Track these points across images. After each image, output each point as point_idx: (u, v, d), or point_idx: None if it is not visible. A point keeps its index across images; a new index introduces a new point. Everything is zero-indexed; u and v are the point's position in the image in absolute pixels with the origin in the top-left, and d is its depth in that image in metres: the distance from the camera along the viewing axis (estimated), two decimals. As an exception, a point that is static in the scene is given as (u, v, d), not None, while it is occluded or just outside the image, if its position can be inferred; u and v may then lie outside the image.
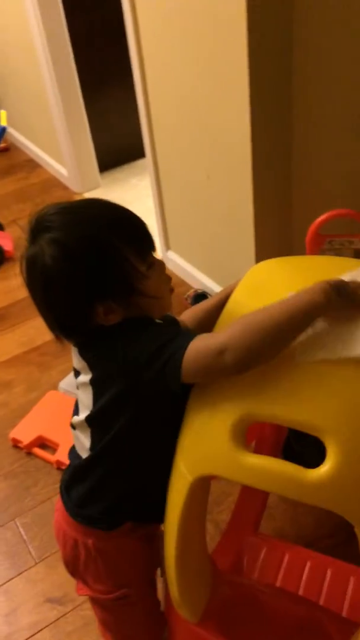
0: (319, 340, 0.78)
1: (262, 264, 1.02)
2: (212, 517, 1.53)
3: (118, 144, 3.33)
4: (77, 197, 3.13)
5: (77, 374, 0.91)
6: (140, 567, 1.00)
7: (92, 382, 0.87)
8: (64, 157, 3.19)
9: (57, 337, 0.89)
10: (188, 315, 1.01)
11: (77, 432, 0.93)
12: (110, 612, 1.04)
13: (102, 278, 0.83)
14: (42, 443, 1.82)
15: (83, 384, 0.89)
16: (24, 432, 1.84)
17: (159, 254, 2.46)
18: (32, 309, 0.87)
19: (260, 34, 1.49)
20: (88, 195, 3.20)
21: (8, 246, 2.73)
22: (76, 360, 0.90)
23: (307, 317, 0.77)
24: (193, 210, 2.16)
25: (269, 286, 0.92)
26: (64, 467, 1.70)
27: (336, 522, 1.31)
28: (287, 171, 1.77)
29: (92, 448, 0.90)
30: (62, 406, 1.89)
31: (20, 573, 1.51)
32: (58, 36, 2.79)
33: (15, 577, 1.50)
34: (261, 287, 0.93)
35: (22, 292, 0.87)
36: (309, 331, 0.78)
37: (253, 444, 1.35)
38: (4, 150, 3.81)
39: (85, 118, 3.04)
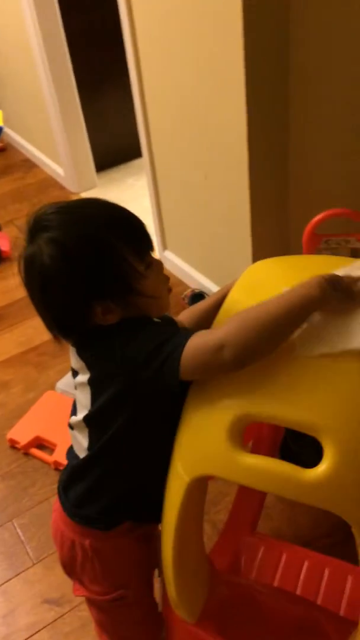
0: (318, 334, 0.78)
1: (259, 263, 1.02)
2: (210, 517, 1.53)
3: (115, 144, 3.33)
4: (74, 197, 3.12)
5: (75, 374, 0.91)
6: (137, 568, 1.00)
7: (90, 382, 0.87)
8: (61, 157, 3.19)
9: (55, 336, 0.89)
10: (185, 316, 1.01)
11: (75, 433, 0.93)
12: (106, 613, 1.04)
13: (100, 278, 0.83)
14: (40, 443, 1.82)
15: (81, 384, 0.89)
16: (22, 432, 1.83)
17: (156, 253, 2.46)
18: (30, 309, 0.87)
19: (256, 34, 1.49)
20: (85, 195, 3.20)
21: (5, 246, 2.72)
22: (74, 360, 0.90)
23: (304, 311, 0.77)
24: (190, 210, 2.16)
25: (266, 285, 0.91)
26: (61, 468, 1.70)
27: (333, 521, 1.31)
28: (283, 171, 1.77)
29: (89, 448, 0.90)
30: (59, 406, 1.89)
31: (18, 574, 1.50)
32: (54, 36, 2.79)
33: (13, 578, 1.50)
34: (258, 287, 0.93)
35: (20, 292, 0.87)
36: (306, 326, 0.79)
37: (250, 443, 1.35)
38: (1, 150, 3.81)
39: (81, 118, 3.04)
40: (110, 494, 0.92)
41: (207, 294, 2.19)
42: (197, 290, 2.24)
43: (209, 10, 1.57)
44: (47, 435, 1.80)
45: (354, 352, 0.77)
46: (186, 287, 2.33)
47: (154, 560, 1.00)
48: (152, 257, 0.88)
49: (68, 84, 2.93)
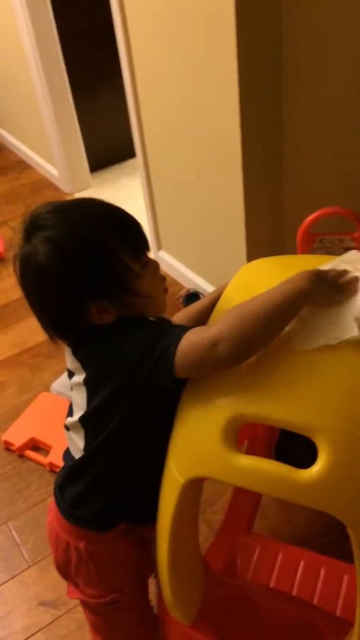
0: (313, 327, 0.79)
1: (253, 263, 1.02)
2: (205, 517, 1.53)
3: (108, 144, 3.32)
4: (68, 198, 3.12)
5: (70, 374, 0.91)
6: (133, 572, 1.00)
7: (86, 382, 0.87)
8: (55, 157, 3.18)
9: (51, 337, 0.89)
10: (181, 317, 1.00)
11: (71, 434, 0.93)
12: (101, 616, 1.03)
13: (95, 277, 0.83)
14: (35, 445, 1.81)
15: (77, 385, 0.88)
16: (16, 434, 1.83)
17: (151, 253, 2.45)
18: (25, 311, 0.87)
19: (249, 33, 1.49)
20: (79, 195, 3.19)
21: (-1, 247, 2.72)
22: (70, 361, 0.90)
23: (296, 303, 0.78)
24: (184, 210, 2.16)
25: (260, 285, 0.91)
26: (56, 470, 1.70)
27: (329, 521, 1.31)
28: (277, 170, 1.77)
29: (85, 449, 0.90)
30: (54, 408, 1.89)
31: (14, 576, 1.50)
32: (47, 37, 2.78)
33: (9, 580, 1.49)
34: (252, 286, 0.92)
35: (14, 294, 0.87)
36: (300, 321, 0.80)
37: (245, 444, 1.35)
38: (-5, 151, 3.80)
39: (75, 118, 3.03)
40: (106, 494, 0.92)
41: (202, 294, 2.19)
42: (192, 290, 2.23)
43: (202, 9, 1.57)
44: (42, 437, 1.80)
45: (349, 343, 0.78)
46: (181, 287, 2.33)
47: (150, 566, 1.00)
48: (148, 257, 0.88)
49: (61, 84, 2.92)
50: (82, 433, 0.90)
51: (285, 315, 0.78)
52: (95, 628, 1.08)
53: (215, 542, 1.36)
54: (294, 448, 1.11)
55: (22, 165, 3.61)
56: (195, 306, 1.01)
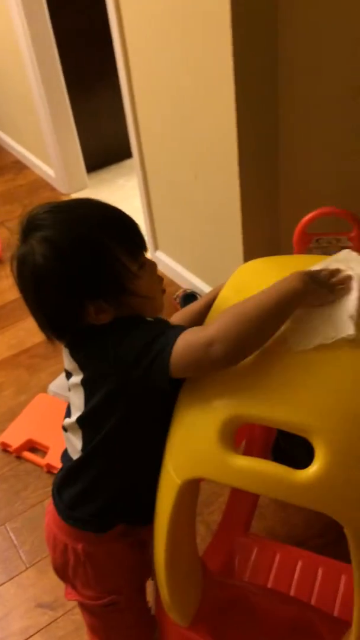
0: (309, 327, 0.79)
1: (249, 263, 1.02)
2: (203, 518, 1.53)
3: (105, 145, 3.32)
4: (65, 198, 3.12)
5: (68, 375, 0.91)
6: (130, 574, 0.99)
7: (84, 382, 0.87)
8: (51, 158, 3.18)
9: (49, 337, 0.89)
10: (178, 318, 1.01)
11: (69, 435, 0.92)
12: (98, 618, 1.03)
13: (93, 277, 0.83)
14: (32, 446, 1.81)
15: (74, 386, 0.88)
16: (13, 435, 1.82)
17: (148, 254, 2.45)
18: (22, 312, 0.87)
19: (245, 33, 1.49)
20: (75, 196, 3.19)
21: (-5, 248, 2.71)
22: (67, 362, 0.90)
23: (290, 304, 0.79)
24: (181, 210, 2.15)
25: (256, 285, 0.91)
26: (54, 471, 1.70)
27: (326, 521, 1.31)
28: (274, 170, 1.77)
29: (83, 449, 0.90)
30: (51, 409, 1.88)
31: (11, 578, 1.50)
32: (43, 37, 2.78)
33: (6, 582, 1.49)
34: (248, 286, 0.92)
35: (11, 294, 0.87)
36: (295, 321, 0.80)
37: (243, 444, 1.35)
38: (-9, 152, 3.79)
39: (71, 119, 3.03)
40: (104, 495, 0.92)
41: (199, 294, 2.19)
42: (188, 291, 2.23)
43: (198, 9, 1.57)
44: (40, 438, 1.79)
45: (344, 342, 0.78)
46: (178, 287, 2.33)
47: (148, 567, 1.00)
48: (146, 258, 0.88)
49: (57, 84, 2.92)
50: (79, 434, 0.90)
51: (280, 315, 0.79)
52: (92, 630, 1.07)
53: (212, 542, 1.36)
54: (291, 448, 1.11)
55: (19, 166, 3.61)
56: (192, 307, 1.01)
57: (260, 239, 1.88)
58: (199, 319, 0.96)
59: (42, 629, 1.39)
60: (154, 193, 2.31)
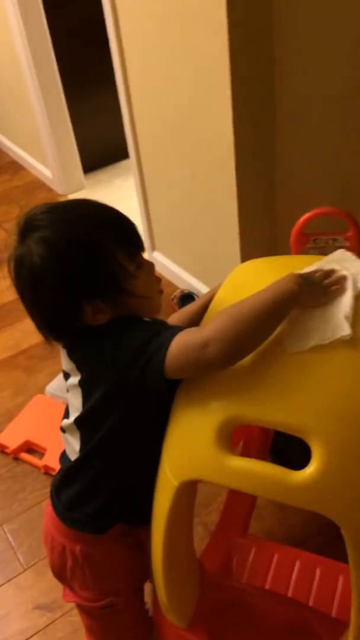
0: (305, 328, 0.80)
1: (246, 264, 1.02)
2: (201, 518, 1.52)
3: (102, 145, 3.31)
4: (62, 199, 3.12)
5: (66, 376, 0.91)
6: (128, 576, 0.99)
7: (81, 383, 0.87)
8: (48, 158, 3.17)
9: (46, 337, 0.89)
10: (176, 319, 1.01)
11: (67, 436, 0.92)
12: (96, 619, 1.03)
13: (90, 277, 0.83)
14: (30, 448, 1.80)
15: (72, 386, 0.89)
16: (11, 437, 1.82)
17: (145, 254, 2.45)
18: (19, 312, 0.87)
19: (241, 32, 1.49)
20: (72, 196, 3.18)
21: (-8, 249, 2.71)
22: (65, 362, 0.90)
23: (285, 305, 0.79)
24: (178, 210, 2.15)
25: (253, 286, 0.91)
26: (51, 472, 1.69)
27: (324, 522, 1.31)
28: (271, 170, 1.77)
29: (81, 450, 0.90)
30: (49, 410, 1.88)
31: (9, 580, 1.49)
32: (39, 37, 2.77)
33: (4, 584, 1.49)
34: (245, 287, 0.92)
35: (8, 296, 0.87)
36: (291, 323, 0.80)
37: (241, 445, 1.35)
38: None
39: (68, 119, 3.03)
40: (102, 495, 0.92)
41: (196, 295, 2.19)
42: (186, 291, 2.23)
43: (194, 9, 1.57)
44: (37, 440, 1.79)
45: (340, 343, 0.78)
46: (175, 287, 2.33)
47: (146, 569, 1.00)
48: (143, 258, 0.88)
49: (53, 85, 2.91)
50: (77, 435, 0.90)
51: (276, 316, 0.79)
52: (90, 631, 1.07)
53: (210, 543, 1.35)
54: (288, 449, 1.11)
55: (15, 167, 3.60)
56: (189, 308, 1.01)
57: (258, 239, 1.88)
58: (197, 320, 0.96)
59: (40, 630, 1.38)
60: (151, 193, 2.31)
